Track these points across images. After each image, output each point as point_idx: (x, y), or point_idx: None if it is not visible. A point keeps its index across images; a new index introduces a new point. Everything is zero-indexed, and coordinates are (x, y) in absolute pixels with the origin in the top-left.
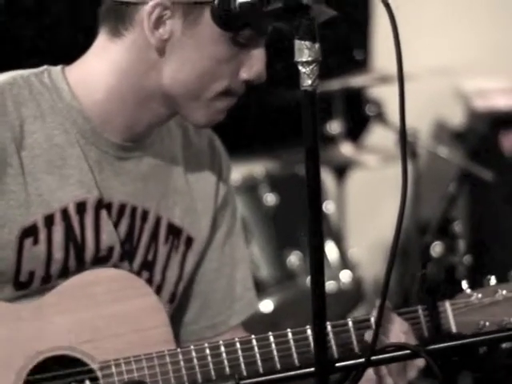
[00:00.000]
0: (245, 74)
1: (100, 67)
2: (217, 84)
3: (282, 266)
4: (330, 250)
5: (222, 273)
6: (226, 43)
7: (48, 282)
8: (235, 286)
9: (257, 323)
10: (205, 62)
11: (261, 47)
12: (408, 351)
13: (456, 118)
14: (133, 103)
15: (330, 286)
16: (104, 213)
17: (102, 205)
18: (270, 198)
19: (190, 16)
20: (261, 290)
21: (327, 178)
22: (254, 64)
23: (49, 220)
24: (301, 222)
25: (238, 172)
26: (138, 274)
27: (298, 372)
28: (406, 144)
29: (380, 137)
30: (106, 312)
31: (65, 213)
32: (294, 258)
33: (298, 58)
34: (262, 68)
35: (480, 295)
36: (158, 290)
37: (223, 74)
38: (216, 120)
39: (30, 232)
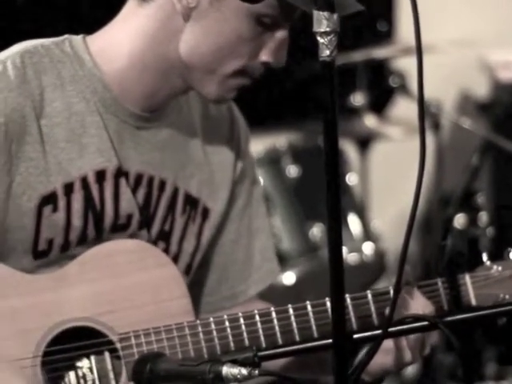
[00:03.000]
0: (265, 56)
1: (124, 34)
2: (235, 61)
3: (304, 239)
4: (353, 222)
5: (239, 244)
6: (251, 22)
7: (67, 249)
8: (253, 255)
9: (279, 295)
10: (227, 36)
11: (284, 31)
12: (426, 323)
13: (480, 89)
14: (153, 72)
15: (352, 257)
16: (123, 181)
17: (120, 173)
18: (292, 170)
19: None
20: (283, 262)
21: (351, 149)
22: (276, 47)
23: (68, 188)
24: (323, 194)
25: (261, 144)
26: (155, 244)
27: (315, 344)
28: (424, 117)
29: (404, 108)
30: (125, 283)
31: (84, 181)
32: (316, 230)
33: (316, 29)
34: (283, 52)
35: (500, 268)
36: (175, 261)
37: (243, 52)
38: (227, 97)
39: (49, 200)
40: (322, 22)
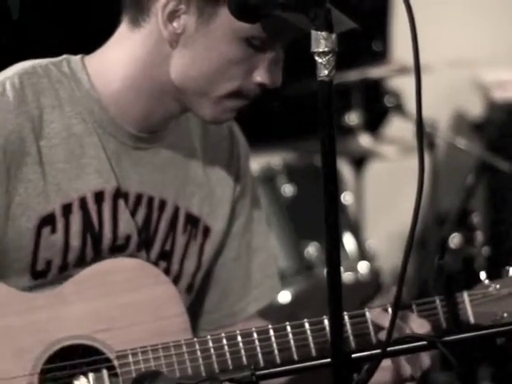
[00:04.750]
0: (259, 77)
1: (118, 57)
2: (227, 84)
3: (299, 257)
4: (348, 241)
5: (239, 261)
6: (240, 44)
7: (65, 270)
8: (253, 273)
9: (274, 314)
10: (216, 60)
11: (277, 51)
12: (424, 342)
13: (475, 109)
14: (147, 96)
15: (347, 277)
16: (121, 202)
17: (119, 194)
18: (287, 189)
19: (204, 13)
20: None
21: (345, 169)
22: (269, 68)
23: (67, 209)
24: (318, 212)
25: (256, 163)
26: (156, 264)
27: (314, 363)
28: (422, 136)
29: (398, 128)
30: (123, 301)
31: (83, 202)
32: (311, 249)
33: (314, 49)
34: (277, 72)
35: (498, 286)
36: (176, 281)
37: (235, 75)
38: (224, 118)
39: (47, 221)
40: (320, 42)
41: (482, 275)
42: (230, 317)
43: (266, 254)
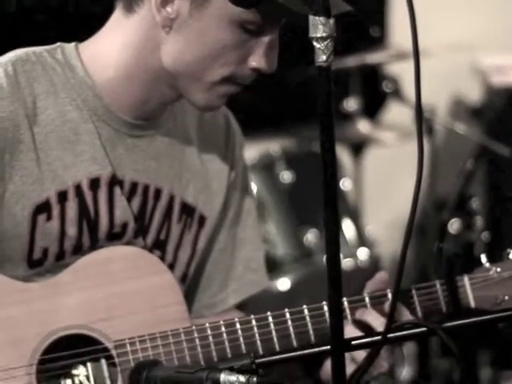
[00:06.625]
0: (254, 63)
1: (112, 43)
2: (221, 69)
3: (298, 244)
4: (347, 228)
5: (225, 252)
6: (235, 29)
7: (62, 258)
8: (235, 265)
9: (274, 301)
10: (210, 45)
11: (272, 35)
12: (424, 329)
13: (473, 94)
14: (140, 82)
15: (347, 263)
16: (117, 189)
17: (115, 181)
18: (286, 176)
19: None
20: (278, 268)
21: (344, 155)
22: (264, 52)
23: (62, 196)
24: (317, 199)
25: (255, 150)
26: (150, 252)
27: (314, 350)
28: (421, 121)
29: (397, 113)
30: (120, 290)
31: (78, 189)
32: (310, 236)
33: (312, 34)
34: (272, 57)
35: (499, 269)
36: (170, 270)
37: (229, 60)
38: (216, 105)
39: (43, 208)
40: (318, 27)
41: (483, 259)
42: (209, 308)
43: (253, 246)
